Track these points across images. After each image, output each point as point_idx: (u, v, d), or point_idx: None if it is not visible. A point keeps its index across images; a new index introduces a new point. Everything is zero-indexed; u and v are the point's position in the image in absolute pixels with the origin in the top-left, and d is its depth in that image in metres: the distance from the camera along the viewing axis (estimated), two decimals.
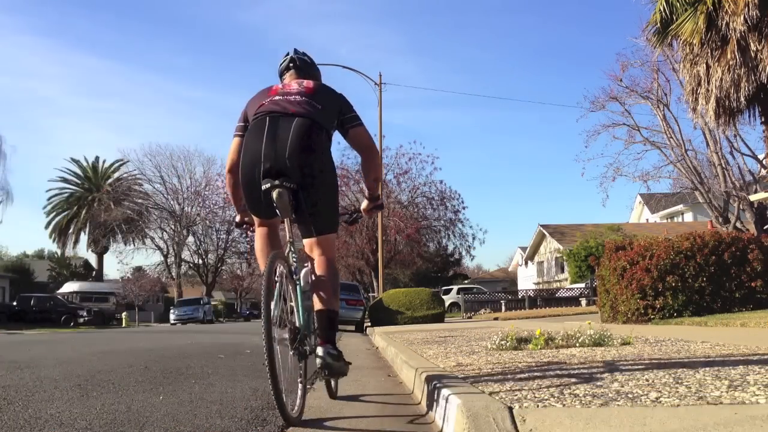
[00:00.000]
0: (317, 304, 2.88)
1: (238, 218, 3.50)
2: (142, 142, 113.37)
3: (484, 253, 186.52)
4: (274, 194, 2.78)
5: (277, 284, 2.64)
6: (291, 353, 2.78)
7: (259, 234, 3.18)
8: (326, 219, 3.01)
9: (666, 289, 9.86)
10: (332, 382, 3.45)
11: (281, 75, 3.40)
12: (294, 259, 2.90)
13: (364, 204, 3.40)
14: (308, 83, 3.17)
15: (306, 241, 3.04)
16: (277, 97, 3.07)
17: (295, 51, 3.41)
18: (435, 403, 2.97)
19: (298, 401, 2.82)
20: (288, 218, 2.89)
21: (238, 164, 2.99)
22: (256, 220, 3.17)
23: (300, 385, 2.90)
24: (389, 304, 17.87)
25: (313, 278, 2.95)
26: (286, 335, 2.73)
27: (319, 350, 2.81)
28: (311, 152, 2.86)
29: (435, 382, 3.21)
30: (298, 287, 2.88)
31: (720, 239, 10.28)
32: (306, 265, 3.02)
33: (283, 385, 2.57)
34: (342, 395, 3.66)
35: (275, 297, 2.58)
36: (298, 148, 2.82)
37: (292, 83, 3.19)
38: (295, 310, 2.84)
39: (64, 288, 45.81)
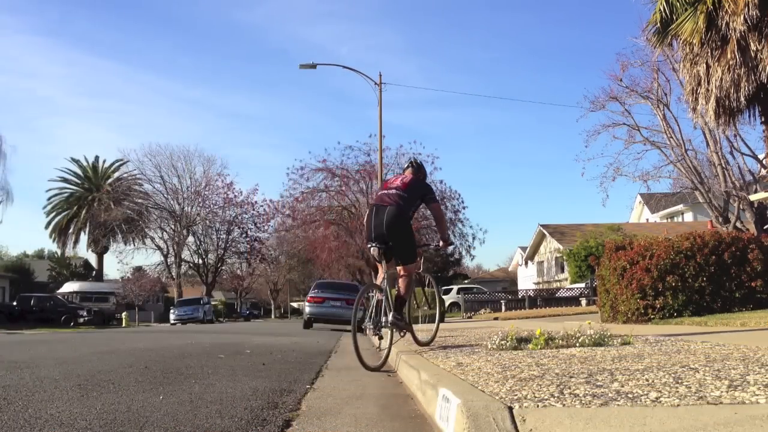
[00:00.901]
0: (397, 292, 5.56)
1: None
2: (142, 142, 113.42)
3: (484, 253, 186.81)
4: (377, 249, 5.34)
5: (367, 298, 5.39)
6: (371, 329, 5.24)
7: (379, 269, 5.75)
8: (406, 258, 5.57)
9: (666, 289, 9.85)
10: (384, 342, 5.48)
11: (404, 169, 5.97)
12: (384, 282, 5.44)
13: (441, 243, 6.14)
14: (407, 179, 5.64)
15: (397, 268, 5.61)
16: (383, 192, 5.57)
17: (414, 159, 6.20)
18: (435, 403, 2.97)
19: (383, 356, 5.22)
20: (382, 262, 5.50)
21: (368, 223, 5.53)
22: (376, 261, 5.74)
23: (383, 347, 5.34)
24: None
25: (401, 285, 5.59)
26: (371, 322, 5.22)
27: (390, 315, 5.28)
28: (397, 227, 5.35)
29: (435, 382, 3.21)
30: (384, 295, 5.33)
31: (720, 239, 10.27)
32: (396, 281, 5.64)
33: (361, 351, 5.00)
34: (345, 394, 3.65)
35: (382, 297, 5.32)
36: (392, 223, 5.30)
37: (397, 179, 5.70)
38: (384, 303, 5.30)
39: (64, 288, 45.71)
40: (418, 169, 5.91)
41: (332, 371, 5.27)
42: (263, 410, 3.18)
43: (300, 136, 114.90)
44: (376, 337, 5.35)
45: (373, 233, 5.33)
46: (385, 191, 5.53)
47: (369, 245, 5.42)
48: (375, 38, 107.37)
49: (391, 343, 5.30)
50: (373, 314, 5.21)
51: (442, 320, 6.59)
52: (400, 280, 5.59)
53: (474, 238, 38.71)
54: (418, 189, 5.65)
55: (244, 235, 47.16)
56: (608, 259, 10.99)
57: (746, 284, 9.90)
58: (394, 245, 5.38)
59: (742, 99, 11.89)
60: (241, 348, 7.49)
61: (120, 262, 61.91)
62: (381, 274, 5.58)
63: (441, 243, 6.14)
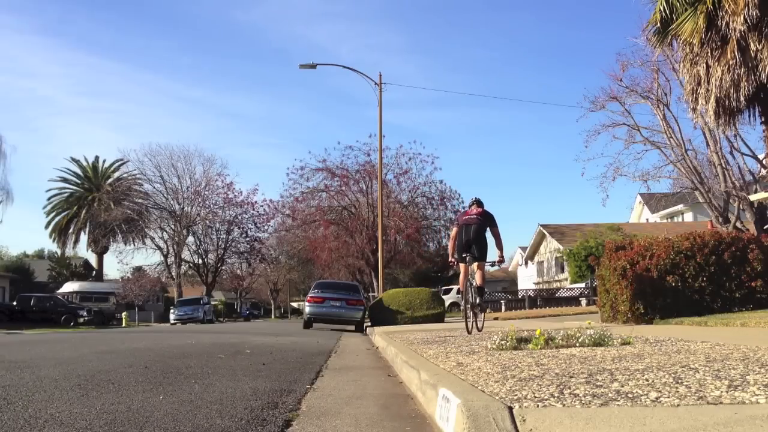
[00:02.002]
0: (478, 285, 8.40)
1: (450, 258, 9.11)
2: (142, 142, 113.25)
3: None
4: (468, 256, 8.35)
5: (467, 287, 8.46)
6: (469, 309, 8.40)
7: (462, 269, 8.47)
8: (483, 257, 8.49)
9: (666, 289, 9.85)
10: (479, 322, 8.60)
11: (470, 205, 8.77)
12: (471, 276, 8.48)
13: (498, 258, 8.89)
14: (479, 210, 8.58)
15: (475, 264, 8.44)
16: (467, 217, 8.52)
17: (477, 197, 8.78)
18: (435, 403, 2.97)
19: (473, 326, 8.39)
20: (472, 263, 8.42)
21: (455, 240, 8.68)
22: (461, 264, 8.50)
23: (472, 321, 8.42)
24: (389, 303, 17.85)
25: (477, 279, 8.45)
26: (470, 303, 8.43)
27: (477, 299, 8.41)
28: (480, 238, 8.43)
29: (435, 382, 3.21)
30: (472, 285, 8.43)
31: (720, 239, 10.28)
32: (475, 273, 8.49)
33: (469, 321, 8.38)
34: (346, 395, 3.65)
35: (466, 290, 8.50)
36: (476, 238, 8.39)
37: (473, 210, 8.60)
38: (471, 293, 8.42)
39: (64, 288, 45.68)
40: (481, 203, 8.78)
41: (332, 371, 5.27)
42: (263, 410, 3.18)
43: (300, 136, 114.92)
44: (471, 313, 8.44)
45: (464, 241, 8.40)
46: (468, 217, 8.56)
47: (464, 254, 8.35)
48: (375, 38, 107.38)
49: (475, 319, 8.50)
50: (465, 298, 8.51)
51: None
52: (478, 274, 8.48)
53: None
54: (488, 217, 8.63)
55: (244, 235, 47.11)
56: (608, 259, 10.99)
57: (746, 284, 9.90)
58: (476, 248, 8.37)
59: (742, 99, 11.88)
60: (241, 348, 7.50)
61: (120, 262, 61.94)
62: (464, 272, 8.47)
63: (498, 258, 8.90)
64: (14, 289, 41.11)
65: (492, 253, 8.71)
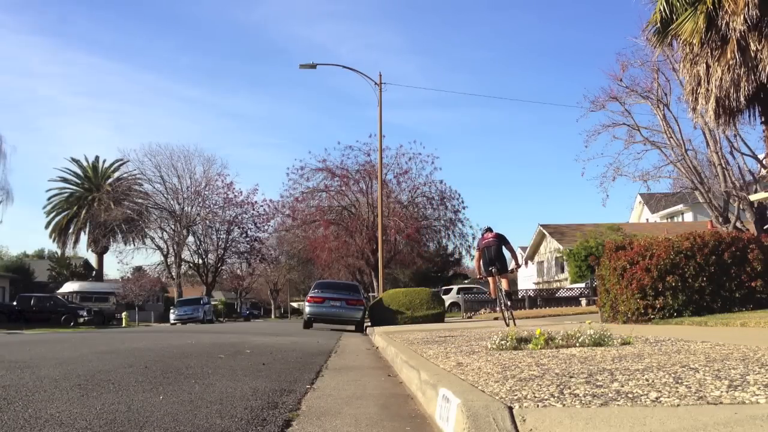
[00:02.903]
0: (506, 289, 10.79)
1: (479, 275, 11.58)
2: (142, 141, 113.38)
3: None
4: (493, 269, 10.65)
5: (498, 293, 10.82)
6: (503, 308, 10.79)
7: (491, 281, 11.13)
8: (505, 270, 10.95)
9: (666, 289, 9.84)
10: (513, 321, 10.41)
11: (483, 232, 11.27)
12: (500, 284, 10.69)
13: (515, 266, 12.19)
14: (494, 234, 10.98)
15: (499, 276, 10.67)
16: (486, 241, 10.86)
17: (488, 226, 11.39)
18: (435, 403, 2.97)
19: (508, 322, 10.53)
20: (498, 275, 10.67)
21: (479, 260, 11.01)
22: (489, 277, 10.99)
23: (506, 318, 10.72)
24: (389, 303, 17.85)
25: (504, 285, 10.76)
26: (503, 305, 10.77)
27: (507, 302, 10.72)
28: (500, 255, 10.76)
29: (435, 382, 3.21)
30: (502, 291, 10.68)
31: (720, 239, 10.27)
32: (502, 281, 10.79)
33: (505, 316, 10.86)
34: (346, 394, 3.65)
35: (498, 295, 10.87)
36: (497, 255, 10.71)
37: (488, 235, 10.97)
38: (501, 297, 10.69)
39: (64, 288, 45.66)
40: (491, 229, 11.04)
41: (332, 371, 5.27)
42: (263, 410, 3.18)
43: (300, 136, 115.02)
44: (506, 312, 10.64)
45: (487, 258, 10.60)
46: (487, 241, 10.76)
47: (490, 268, 10.52)
48: (375, 38, 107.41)
49: (507, 318, 10.58)
50: (500, 301, 10.73)
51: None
52: (504, 282, 10.67)
53: (474, 238, 38.58)
54: (501, 237, 10.84)
55: (244, 235, 47.13)
56: (608, 259, 10.99)
57: (746, 284, 9.89)
58: (498, 263, 10.58)
59: (742, 99, 11.87)
60: (241, 348, 7.49)
61: (120, 262, 62.03)
62: (493, 283, 10.82)
63: (515, 266, 11.90)
64: (14, 289, 41.08)
65: (510, 264, 11.45)
